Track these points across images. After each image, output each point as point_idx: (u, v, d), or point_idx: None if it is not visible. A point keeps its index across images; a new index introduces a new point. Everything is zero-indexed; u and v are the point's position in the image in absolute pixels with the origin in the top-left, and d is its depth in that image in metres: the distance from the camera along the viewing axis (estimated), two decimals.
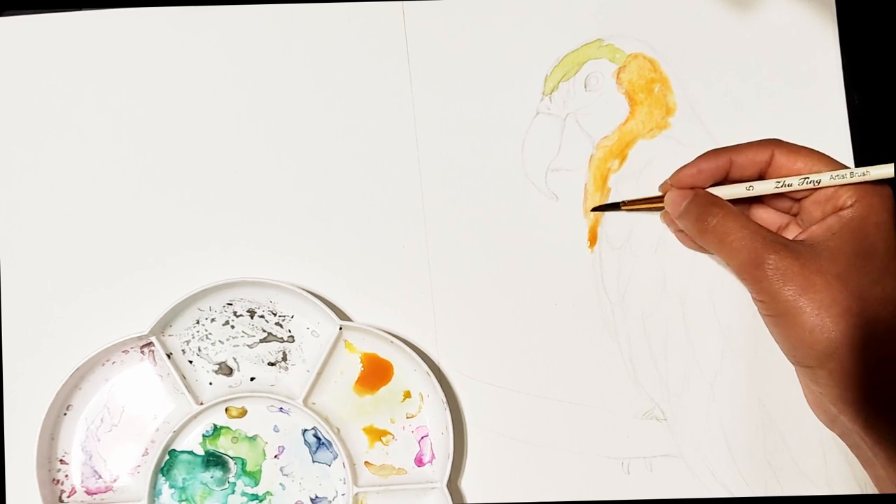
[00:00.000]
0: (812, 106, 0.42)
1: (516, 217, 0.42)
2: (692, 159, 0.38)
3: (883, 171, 0.34)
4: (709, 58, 0.42)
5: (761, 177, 0.37)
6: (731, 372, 0.41)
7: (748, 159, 0.37)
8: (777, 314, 0.34)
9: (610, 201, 0.41)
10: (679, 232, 0.40)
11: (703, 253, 0.41)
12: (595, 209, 0.41)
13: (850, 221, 0.34)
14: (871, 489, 0.39)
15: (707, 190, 0.38)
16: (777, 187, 0.36)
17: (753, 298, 0.36)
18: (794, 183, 0.36)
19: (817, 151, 0.36)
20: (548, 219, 0.42)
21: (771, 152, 0.36)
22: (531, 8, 0.43)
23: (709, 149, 0.38)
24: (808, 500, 0.40)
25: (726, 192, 0.37)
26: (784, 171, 0.36)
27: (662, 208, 0.40)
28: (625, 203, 0.41)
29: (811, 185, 0.35)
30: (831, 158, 0.36)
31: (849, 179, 0.35)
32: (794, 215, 0.38)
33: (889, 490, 0.34)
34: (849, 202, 0.35)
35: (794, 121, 0.42)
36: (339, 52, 0.42)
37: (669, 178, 0.39)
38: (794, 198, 0.37)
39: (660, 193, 0.40)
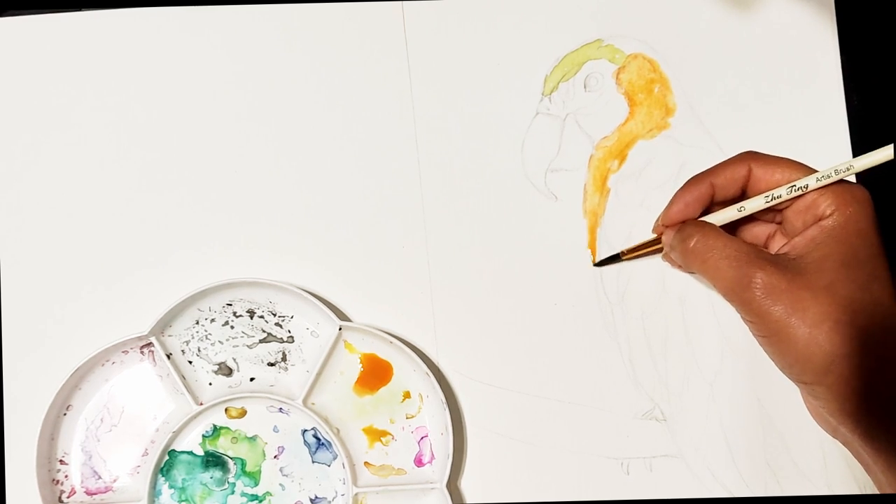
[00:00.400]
0: (812, 106, 0.42)
1: (516, 217, 0.42)
2: (674, 194, 0.38)
3: (864, 161, 0.33)
4: (709, 58, 0.42)
5: (743, 192, 0.37)
6: (731, 372, 0.41)
7: (727, 179, 0.36)
8: (769, 334, 0.34)
9: (609, 254, 0.41)
10: (680, 267, 0.40)
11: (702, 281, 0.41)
12: (597, 264, 0.41)
13: (833, 230, 0.34)
14: (871, 489, 0.39)
15: (698, 219, 0.37)
16: (767, 202, 0.36)
17: (743, 319, 0.35)
18: (783, 193, 0.35)
19: (793, 160, 0.36)
20: (547, 219, 0.42)
21: (748, 167, 0.36)
22: (531, 8, 0.43)
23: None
24: (807, 501, 0.40)
25: (719, 217, 0.37)
26: (763, 184, 0.36)
27: (660, 250, 0.40)
28: (624, 252, 0.41)
29: (799, 192, 0.35)
30: (807, 166, 0.35)
31: (834, 178, 0.34)
32: (779, 223, 0.38)
33: None
34: (828, 211, 0.34)
35: (793, 121, 0.42)
36: (339, 52, 0.42)
37: (660, 219, 0.39)
38: (776, 208, 0.37)
39: (654, 236, 0.40)
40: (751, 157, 0.36)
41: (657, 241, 0.40)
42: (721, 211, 0.37)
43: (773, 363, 0.40)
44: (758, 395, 0.40)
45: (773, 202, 0.36)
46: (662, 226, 0.38)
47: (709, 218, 0.37)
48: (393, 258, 0.41)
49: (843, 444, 0.36)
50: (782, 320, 0.33)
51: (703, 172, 0.37)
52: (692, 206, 0.37)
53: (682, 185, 0.38)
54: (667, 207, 0.38)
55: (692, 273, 0.40)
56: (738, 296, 0.34)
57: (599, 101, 0.42)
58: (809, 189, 0.35)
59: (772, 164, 0.36)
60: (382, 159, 0.42)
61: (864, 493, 0.40)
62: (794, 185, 0.35)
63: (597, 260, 0.41)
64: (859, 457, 0.35)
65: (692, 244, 0.36)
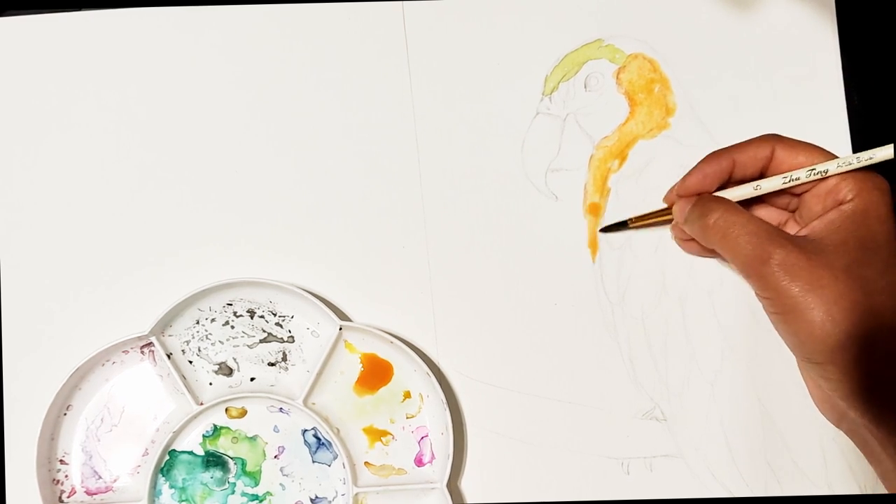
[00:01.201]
0: (812, 106, 0.42)
1: (516, 217, 0.42)
2: (695, 165, 0.38)
3: (885, 152, 0.34)
4: (709, 58, 0.42)
5: (763, 174, 0.37)
6: (731, 372, 0.41)
7: (750, 157, 0.37)
8: (784, 311, 0.34)
9: (617, 220, 0.41)
10: (686, 242, 0.40)
11: (711, 257, 0.40)
12: (603, 230, 0.41)
13: (852, 215, 0.34)
14: (871, 489, 0.39)
15: (713, 193, 0.38)
16: (784, 182, 0.36)
17: (758, 295, 0.35)
18: (802, 175, 0.35)
19: (817, 146, 0.36)
20: (548, 219, 0.42)
21: (771, 148, 0.36)
22: (531, 8, 0.43)
23: (709, 151, 0.38)
24: (808, 501, 0.40)
25: (734, 194, 0.37)
26: (785, 167, 0.36)
27: (670, 221, 0.40)
28: (632, 220, 0.41)
29: (819, 176, 0.35)
30: (830, 152, 0.36)
31: (855, 165, 0.34)
32: (792, 211, 0.38)
33: None
34: (849, 196, 0.34)
35: (794, 121, 0.42)
36: (339, 52, 0.42)
37: (675, 188, 0.39)
38: (793, 193, 0.37)
39: (665, 206, 0.40)
40: (775, 139, 0.37)
41: (667, 210, 0.40)
42: (737, 187, 0.37)
43: (772, 363, 0.40)
44: (758, 395, 0.40)
45: (791, 184, 0.36)
46: (677, 195, 0.38)
47: (724, 193, 0.37)
48: (393, 258, 0.41)
49: (848, 432, 0.36)
50: (799, 297, 0.33)
51: (726, 148, 0.37)
52: (710, 179, 0.37)
53: (702, 157, 0.38)
54: (684, 177, 0.38)
55: (699, 254, 0.40)
56: (756, 270, 0.34)
57: (600, 101, 0.42)
58: (829, 174, 0.35)
59: (796, 148, 0.36)
60: (382, 159, 0.42)
61: (864, 493, 0.40)
62: (814, 169, 0.35)
63: (603, 226, 0.41)
64: (866, 446, 0.35)
65: (714, 219, 0.36)
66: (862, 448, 0.36)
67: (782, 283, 0.33)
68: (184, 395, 0.40)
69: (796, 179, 0.36)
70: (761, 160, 0.37)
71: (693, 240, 0.39)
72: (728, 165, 0.37)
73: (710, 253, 0.39)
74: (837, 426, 0.37)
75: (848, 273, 0.33)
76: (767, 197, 0.38)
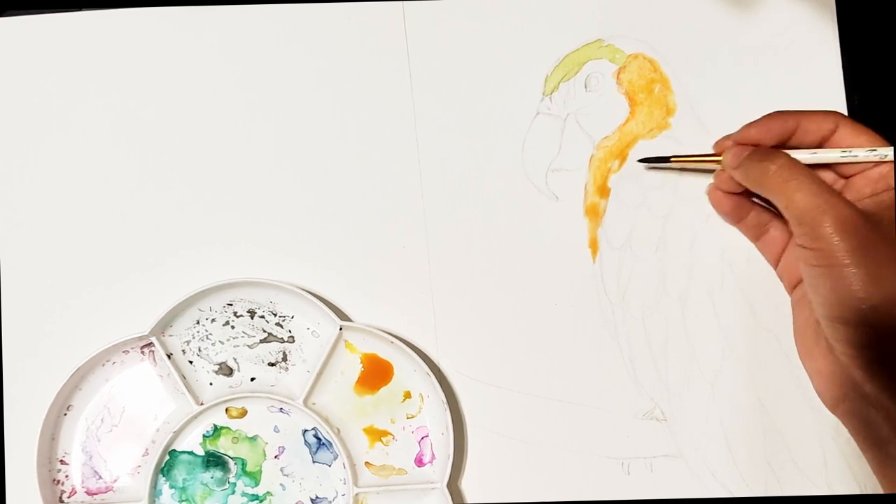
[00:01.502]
0: (812, 106, 0.42)
1: (516, 217, 0.42)
2: (757, 119, 0.38)
3: None
4: (709, 58, 0.42)
5: (821, 146, 0.37)
6: (731, 372, 0.41)
7: (815, 125, 0.37)
8: (830, 264, 0.33)
9: (658, 155, 0.41)
10: (723, 195, 0.40)
11: (735, 226, 0.40)
12: (642, 160, 0.41)
13: None
14: (871, 489, 0.39)
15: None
16: (843, 156, 0.36)
17: (804, 247, 0.35)
18: (861, 154, 0.36)
19: (880, 135, 0.36)
20: (548, 219, 0.42)
21: (836, 123, 0.37)
22: (531, 8, 0.43)
23: (709, 150, 0.38)
24: (808, 500, 0.40)
25: (792, 154, 0.37)
26: (845, 145, 0.37)
27: (711, 169, 0.40)
28: (675, 157, 0.40)
29: (877, 158, 0.36)
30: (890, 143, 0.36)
31: None
32: None
33: None
34: None
35: None
36: (339, 52, 0.42)
37: (733, 135, 0.39)
38: (841, 174, 0.37)
39: (712, 151, 0.40)
40: (840, 116, 0.37)
41: (713, 156, 0.39)
42: (796, 151, 0.37)
43: (772, 363, 0.40)
44: (758, 395, 0.40)
45: (848, 159, 0.36)
46: (734, 142, 0.38)
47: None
48: (393, 258, 0.41)
49: (846, 413, 0.35)
50: (848, 253, 0.33)
51: (793, 110, 0.38)
52: (772, 133, 0.37)
53: (767, 112, 0.38)
54: (747, 126, 0.38)
55: (728, 214, 0.40)
56: (812, 219, 0.34)
57: (600, 101, 0.42)
58: (887, 159, 0.35)
59: (859, 129, 0.37)
60: (383, 159, 0.42)
61: (864, 492, 0.40)
62: (875, 150, 0.36)
63: (643, 157, 0.41)
64: (866, 428, 0.35)
65: (777, 165, 0.36)
66: (860, 432, 0.36)
67: (835, 236, 0.33)
68: (184, 395, 0.40)
69: (854, 156, 0.36)
70: (824, 132, 0.37)
71: (730, 194, 0.39)
72: (793, 126, 0.37)
73: (743, 208, 0.39)
74: (834, 409, 0.36)
75: None
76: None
